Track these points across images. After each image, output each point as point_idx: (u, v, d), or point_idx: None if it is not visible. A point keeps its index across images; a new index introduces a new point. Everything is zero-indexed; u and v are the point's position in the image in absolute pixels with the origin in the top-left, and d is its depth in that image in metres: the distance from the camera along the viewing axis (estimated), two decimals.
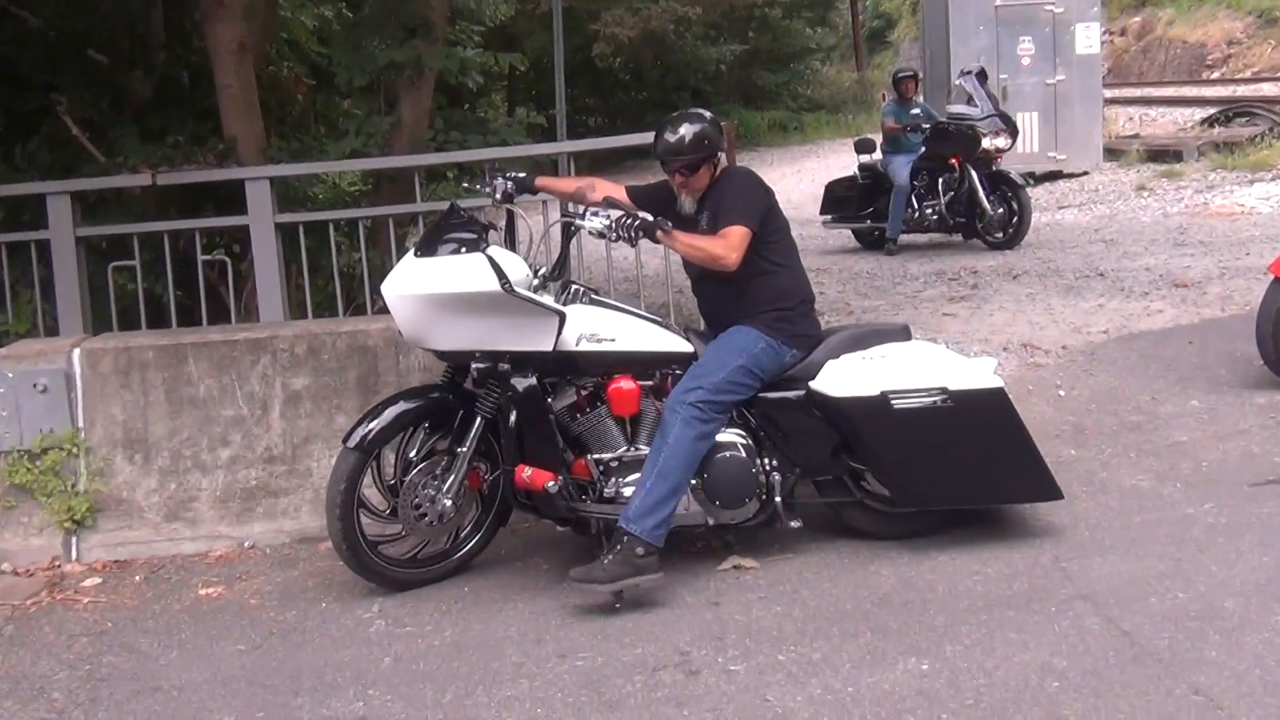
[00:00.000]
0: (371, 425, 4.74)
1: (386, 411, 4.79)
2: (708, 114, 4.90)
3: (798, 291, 4.91)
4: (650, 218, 4.61)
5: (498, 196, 5.04)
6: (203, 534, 5.54)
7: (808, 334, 4.88)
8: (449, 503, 4.76)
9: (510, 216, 5.05)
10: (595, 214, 4.70)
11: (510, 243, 5.01)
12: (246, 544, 5.52)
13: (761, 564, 4.81)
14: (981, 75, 12.27)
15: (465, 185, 6.05)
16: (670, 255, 6.96)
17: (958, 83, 12.26)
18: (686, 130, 4.78)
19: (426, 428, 4.88)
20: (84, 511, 5.47)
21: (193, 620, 4.81)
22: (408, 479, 4.81)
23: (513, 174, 5.15)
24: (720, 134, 4.86)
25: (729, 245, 4.67)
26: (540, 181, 5.27)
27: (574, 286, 4.94)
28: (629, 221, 4.57)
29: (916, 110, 12.09)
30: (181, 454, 5.58)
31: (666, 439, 4.55)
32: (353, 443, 4.71)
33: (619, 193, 5.09)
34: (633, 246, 4.69)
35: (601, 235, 4.64)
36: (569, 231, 5.00)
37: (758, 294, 4.81)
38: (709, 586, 4.65)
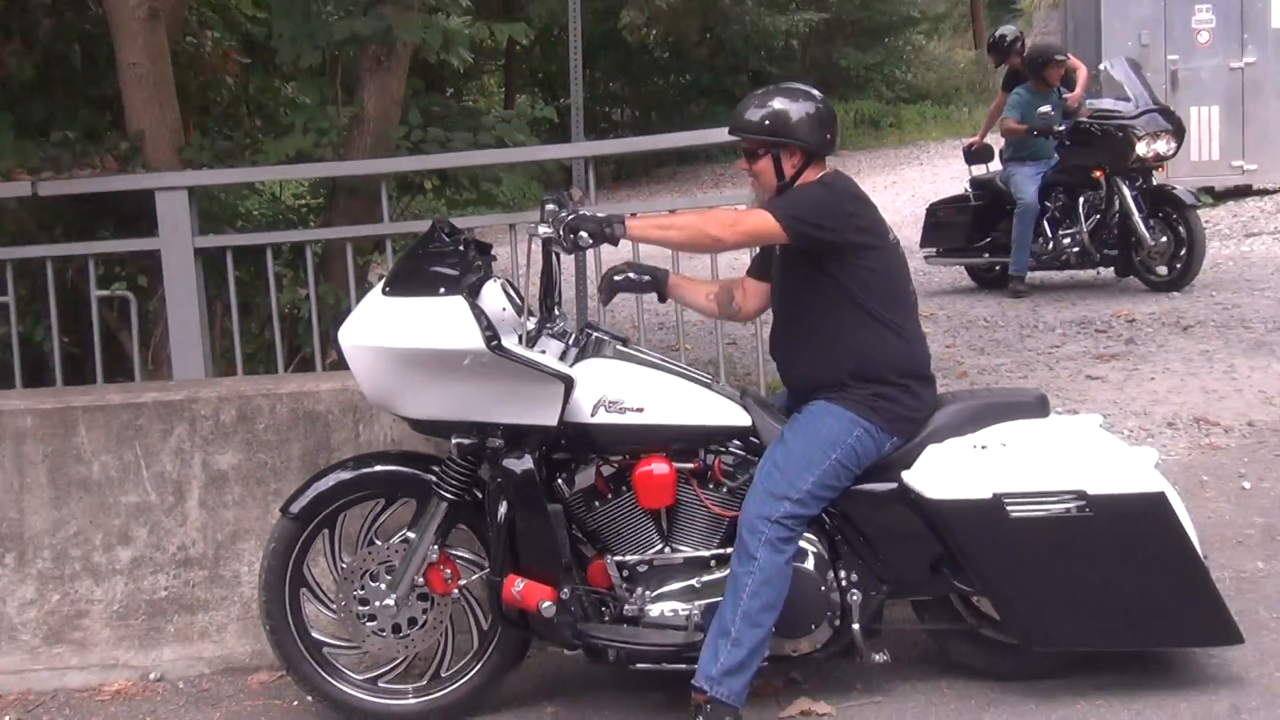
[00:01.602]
0: (316, 486, 5.02)
1: (334, 474, 5.06)
2: (817, 95, 5.00)
3: (910, 362, 4.93)
4: (600, 214, 4.69)
5: (560, 232, 4.65)
6: (95, 661, 5.64)
7: (914, 417, 4.92)
8: (390, 603, 4.92)
9: (547, 254, 4.94)
10: (556, 216, 4.69)
11: (546, 285, 5.05)
12: (152, 675, 5.61)
13: (839, 709, 4.87)
14: (1133, 63, 12.39)
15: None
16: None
17: (1103, 68, 12.36)
18: (765, 104, 4.91)
19: (410, 503, 5.05)
20: None
21: None
22: (349, 562, 5.00)
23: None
24: (817, 127, 4.91)
25: (724, 220, 4.78)
26: (675, 281, 5.29)
27: (595, 335, 5.08)
28: (565, 216, 4.63)
29: (1046, 107, 12.06)
30: (68, 554, 5.70)
31: (749, 569, 4.60)
32: (292, 509, 5.00)
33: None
34: (568, 252, 4.72)
35: (549, 248, 4.78)
36: (546, 248, 4.93)
37: (854, 359, 4.85)
38: None
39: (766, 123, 4.87)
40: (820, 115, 4.92)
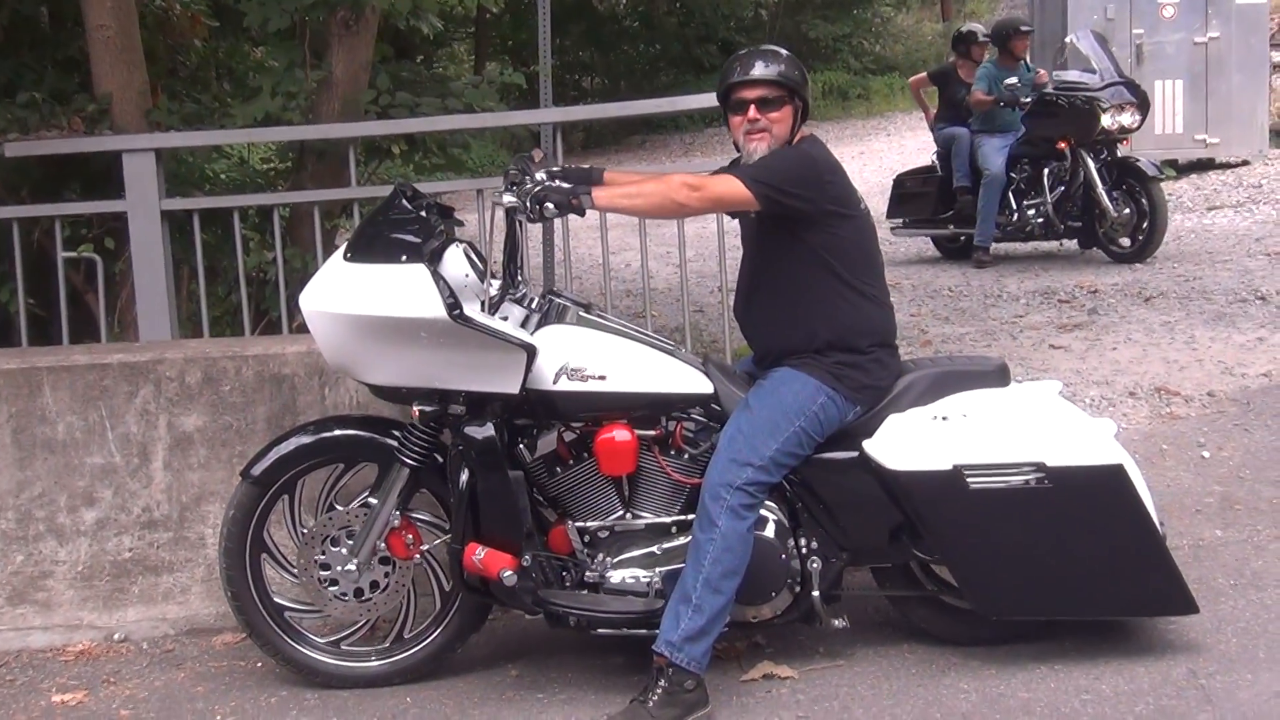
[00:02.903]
0: (276, 450, 5.00)
1: (294, 439, 5.04)
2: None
3: (876, 330, 4.92)
4: (565, 184, 4.64)
5: (526, 203, 4.58)
6: (58, 622, 5.62)
7: (878, 386, 4.90)
8: (352, 568, 4.92)
9: (511, 221, 4.85)
10: (519, 184, 4.66)
11: (510, 252, 5.01)
12: (116, 636, 5.59)
13: (801, 673, 4.88)
14: (1099, 36, 12.41)
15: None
16: (687, 260, 7.10)
17: (1069, 40, 12.36)
18: (781, 58, 4.88)
19: (370, 467, 5.03)
20: None
21: None
22: (310, 527, 4.99)
23: (564, 170, 4.95)
24: (807, 83, 4.94)
25: (690, 185, 4.68)
26: (610, 178, 5.08)
27: (557, 300, 5.04)
28: (531, 187, 4.57)
29: (1013, 79, 12.10)
30: (32, 515, 5.67)
31: (712, 537, 4.58)
32: (253, 473, 4.98)
33: None
34: (534, 221, 4.63)
35: (513, 215, 4.66)
36: (511, 217, 4.83)
37: (829, 326, 4.83)
38: (731, 701, 4.72)
39: (795, 73, 4.86)
40: (805, 78, 4.93)
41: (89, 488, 5.66)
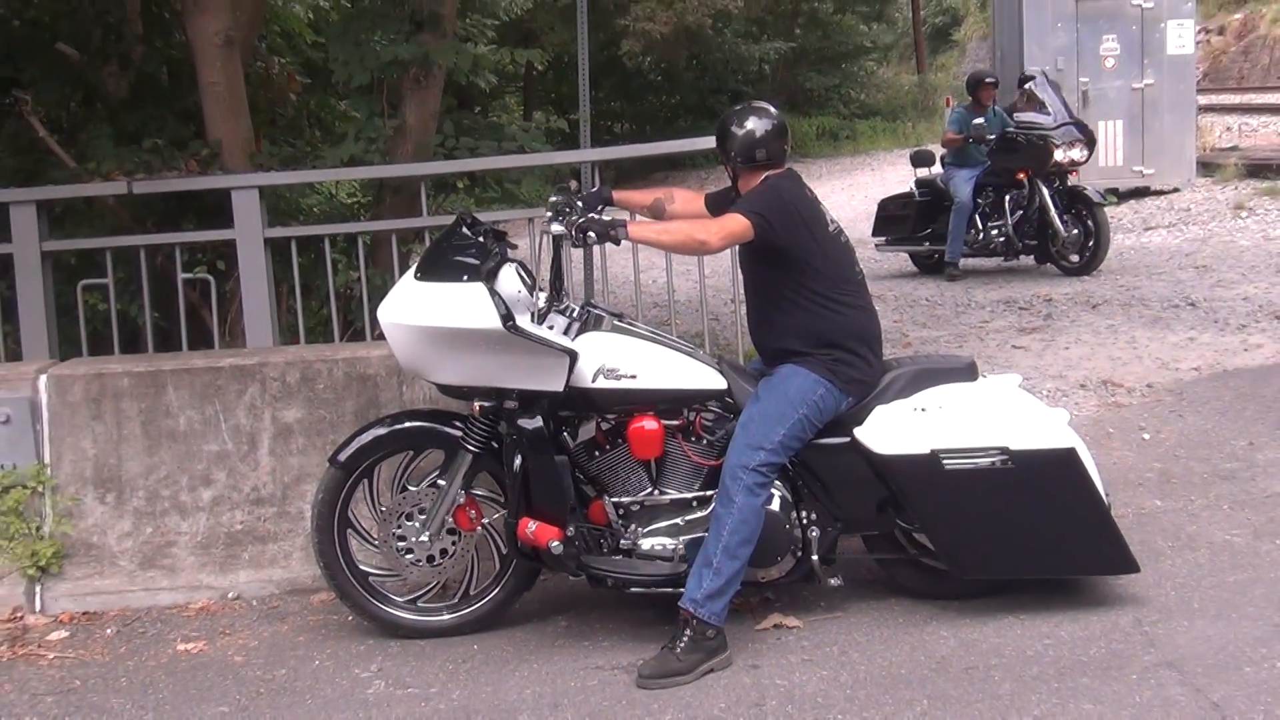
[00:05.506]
0: (357, 440, 5.03)
1: (372, 430, 5.07)
2: (774, 113, 4.96)
3: (859, 332, 4.91)
4: (605, 218, 4.71)
5: (571, 233, 4.66)
6: (182, 583, 5.64)
7: (866, 380, 4.90)
8: (425, 539, 4.96)
9: (557, 245, 4.97)
10: (564, 215, 4.77)
11: (556, 271, 5.07)
12: (230, 595, 5.61)
13: (805, 623, 4.88)
14: (1053, 83, 12.40)
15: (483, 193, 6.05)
16: (705, 277, 7.11)
17: (1026, 87, 12.34)
18: (745, 126, 4.90)
19: (434, 453, 5.06)
20: (49, 557, 5.57)
21: (170, 679, 4.89)
22: (387, 505, 5.02)
23: (584, 194, 5.13)
24: (747, 145, 4.89)
25: (709, 227, 4.76)
26: (618, 196, 5.28)
27: (594, 311, 5.06)
28: (575, 219, 4.67)
29: (980, 120, 12.08)
30: (159, 494, 5.69)
31: (730, 511, 4.62)
32: (339, 459, 5.01)
33: (695, 203, 5.27)
34: (577, 246, 4.78)
35: (559, 240, 4.76)
36: (557, 242, 4.95)
37: (816, 331, 4.84)
38: (746, 647, 4.72)
39: (756, 151, 4.89)
40: (751, 135, 4.89)
41: (206, 471, 5.68)
